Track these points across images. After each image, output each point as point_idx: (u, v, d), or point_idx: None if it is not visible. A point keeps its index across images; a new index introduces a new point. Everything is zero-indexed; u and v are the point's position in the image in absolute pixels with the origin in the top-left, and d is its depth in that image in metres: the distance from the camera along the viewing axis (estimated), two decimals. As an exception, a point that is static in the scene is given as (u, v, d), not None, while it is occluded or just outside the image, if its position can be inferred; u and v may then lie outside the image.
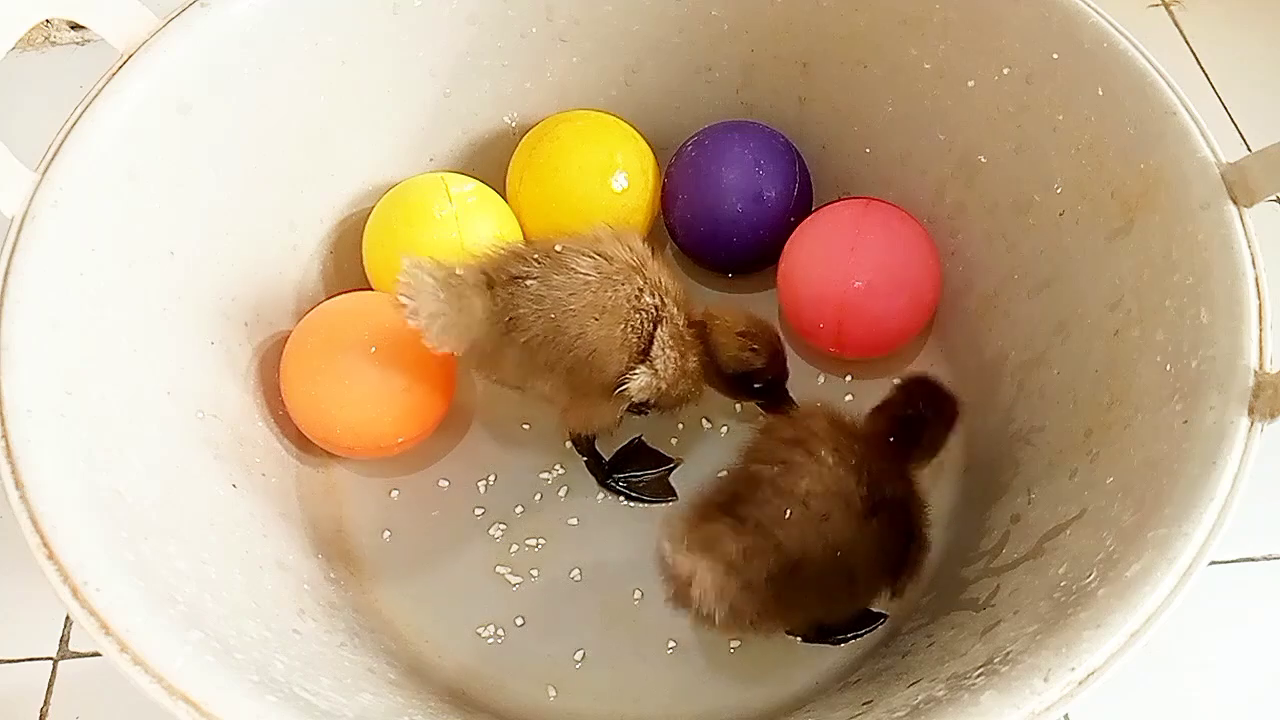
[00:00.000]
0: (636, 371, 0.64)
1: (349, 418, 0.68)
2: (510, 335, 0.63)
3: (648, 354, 0.64)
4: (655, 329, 0.64)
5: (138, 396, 0.58)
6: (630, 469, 0.73)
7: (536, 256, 0.64)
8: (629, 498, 0.72)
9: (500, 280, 0.63)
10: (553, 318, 0.62)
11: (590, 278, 0.63)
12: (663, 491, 0.72)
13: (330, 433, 0.69)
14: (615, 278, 0.63)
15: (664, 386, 0.65)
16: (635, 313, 0.64)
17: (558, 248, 0.64)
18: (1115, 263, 0.61)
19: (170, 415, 0.60)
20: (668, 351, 0.64)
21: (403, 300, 0.60)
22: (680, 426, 0.75)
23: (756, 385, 0.68)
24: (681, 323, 0.66)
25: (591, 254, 0.64)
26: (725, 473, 0.63)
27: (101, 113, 0.59)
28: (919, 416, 0.63)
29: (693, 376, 0.67)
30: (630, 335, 0.63)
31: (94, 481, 0.50)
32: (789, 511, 0.57)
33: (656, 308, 0.64)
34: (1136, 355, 0.58)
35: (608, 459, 0.73)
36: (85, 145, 0.58)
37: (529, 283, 0.63)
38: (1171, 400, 0.53)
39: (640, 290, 0.64)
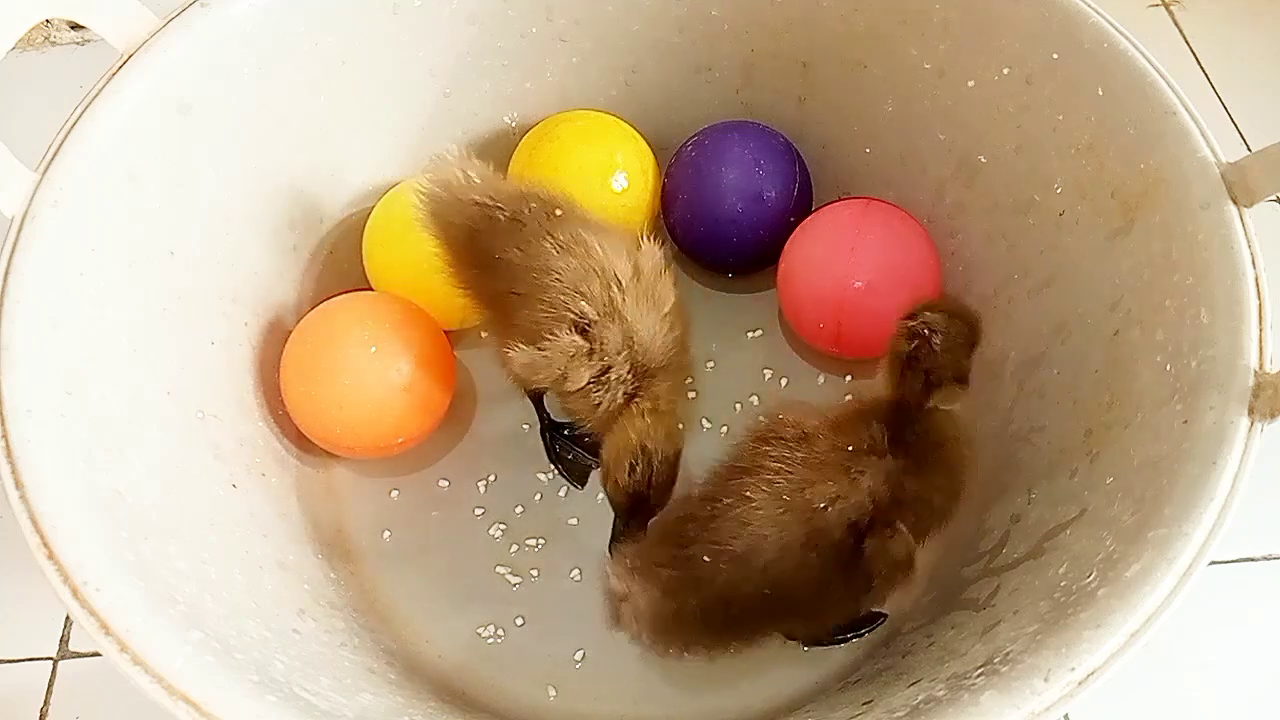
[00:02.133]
0: (525, 348, 0.61)
1: (349, 418, 0.68)
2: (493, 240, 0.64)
3: (585, 334, 0.61)
4: (595, 343, 0.61)
5: (138, 396, 0.58)
6: (570, 438, 0.73)
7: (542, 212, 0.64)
8: (550, 455, 0.73)
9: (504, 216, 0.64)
10: (534, 266, 0.62)
11: (567, 266, 0.62)
12: (579, 476, 0.72)
13: (330, 433, 0.69)
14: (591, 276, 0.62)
15: (556, 384, 0.62)
16: (588, 319, 0.61)
17: (559, 216, 0.64)
18: (1115, 263, 0.61)
19: (170, 415, 0.60)
20: (581, 369, 0.61)
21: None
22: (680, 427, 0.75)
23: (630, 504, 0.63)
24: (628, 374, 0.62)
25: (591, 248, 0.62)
26: (701, 484, 0.62)
27: (101, 113, 0.59)
28: (927, 350, 0.57)
29: (607, 416, 0.63)
30: (571, 313, 0.61)
31: (94, 481, 0.50)
32: (721, 565, 0.56)
33: (607, 351, 0.61)
34: (1136, 355, 0.58)
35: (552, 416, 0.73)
36: (85, 145, 0.58)
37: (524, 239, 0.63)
38: (1171, 400, 0.53)
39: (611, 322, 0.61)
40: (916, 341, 0.57)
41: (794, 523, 0.56)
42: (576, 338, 0.61)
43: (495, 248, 0.64)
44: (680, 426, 0.64)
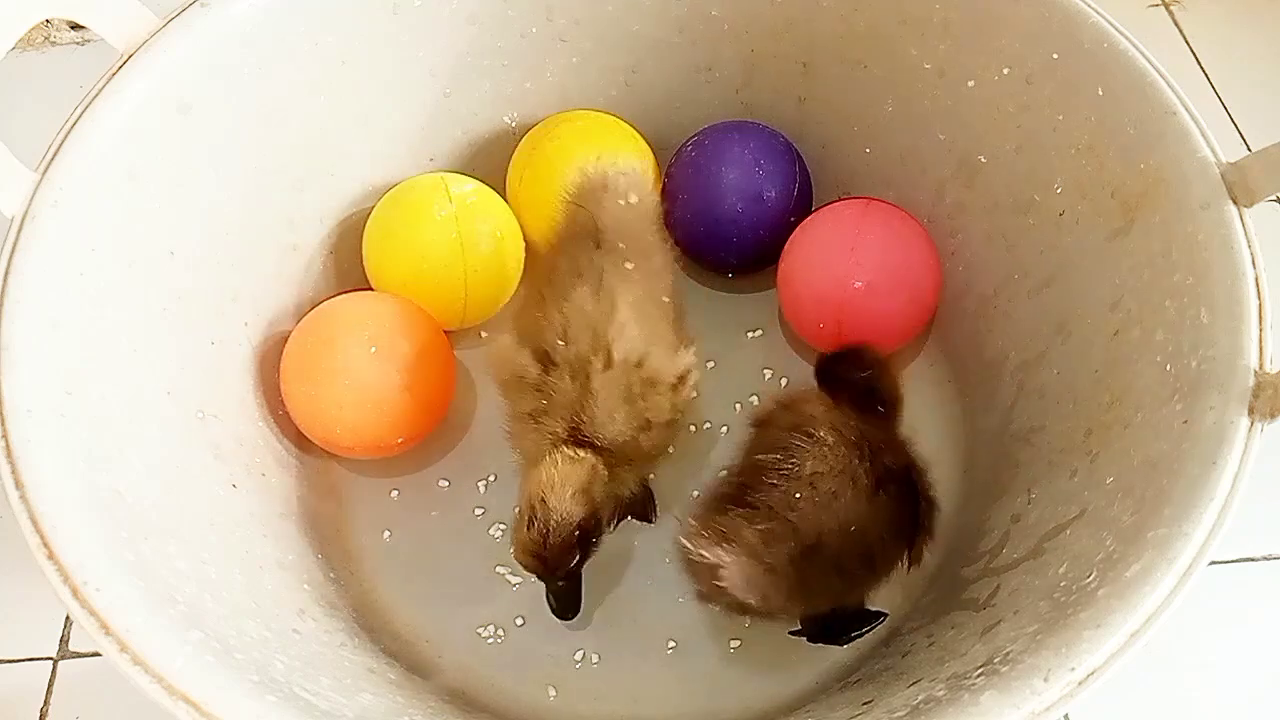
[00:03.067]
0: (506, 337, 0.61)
1: (349, 418, 0.68)
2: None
3: (543, 367, 0.59)
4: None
5: (138, 396, 0.58)
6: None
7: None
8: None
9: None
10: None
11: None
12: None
13: (330, 433, 0.69)
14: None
15: (501, 388, 0.62)
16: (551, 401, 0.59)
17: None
18: (1115, 263, 0.61)
19: (170, 415, 0.60)
20: (524, 395, 0.60)
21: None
22: (691, 429, 0.75)
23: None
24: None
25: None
26: (726, 470, 0.62)
27: (101, 113, 0.59)
28: (864, 382, 0.63)
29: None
30: (546, 342, 0.59)
31: (94, 481, 0.50)
32: (798, 494, 0.57)
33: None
34: (1136, 355, 0.58)
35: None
36: (85, 145, 0.58)
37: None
38: (1171, 400, 0.53)
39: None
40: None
41: (858, 462, 0.58)
42: (533, 363, 0.60)
43: (566, 247, 0.64)
44: (622, 495, 0.61)
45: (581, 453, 0.58)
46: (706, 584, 0.58)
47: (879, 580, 0.62)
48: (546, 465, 0.58)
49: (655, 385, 0.60)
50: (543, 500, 0.57)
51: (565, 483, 0.57)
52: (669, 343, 0.62)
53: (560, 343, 0.59)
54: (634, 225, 0.64)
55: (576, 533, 0.58)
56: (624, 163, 0.67)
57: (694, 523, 0.59)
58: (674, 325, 0.64)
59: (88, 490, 0.50)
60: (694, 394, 0.62)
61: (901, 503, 0.60)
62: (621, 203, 0.64)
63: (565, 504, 0.57)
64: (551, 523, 0.57)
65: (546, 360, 0.60)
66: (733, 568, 0.56)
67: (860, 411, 0.62)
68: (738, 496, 0.59)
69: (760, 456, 0.60)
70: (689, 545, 0.57)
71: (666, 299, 0.65)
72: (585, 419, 0.59)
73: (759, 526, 0.57)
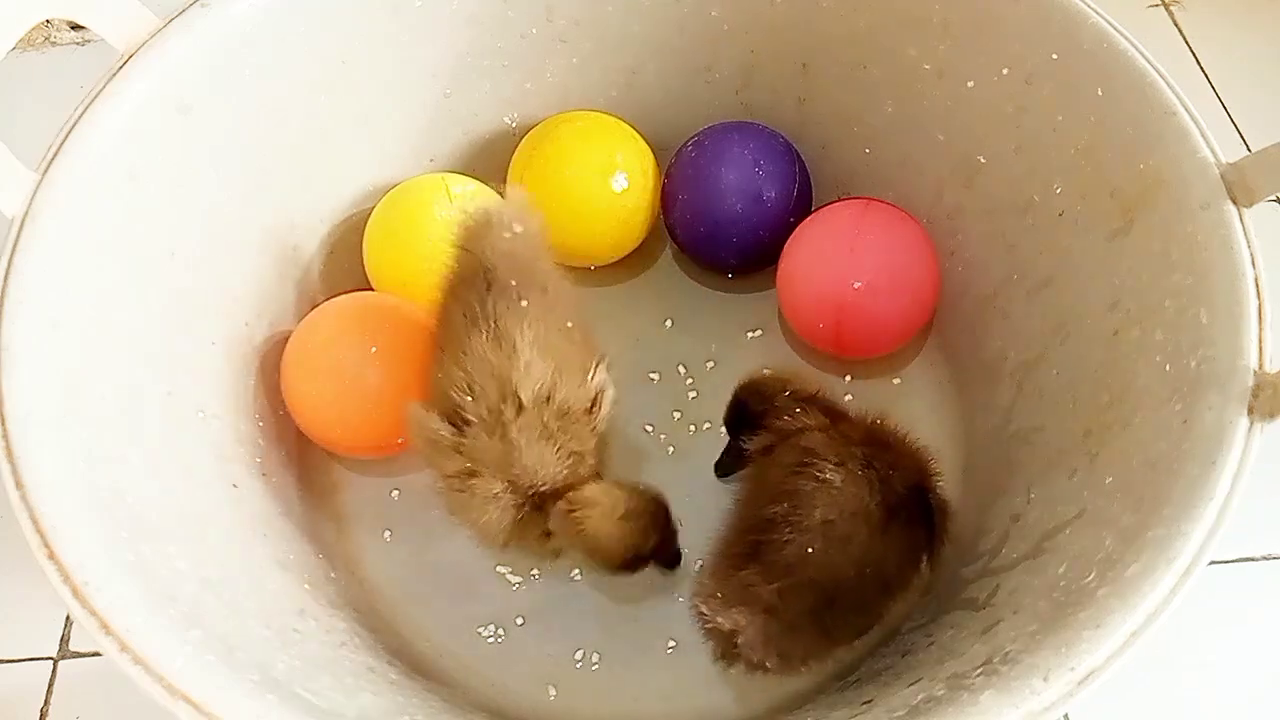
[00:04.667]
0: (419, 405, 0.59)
1: (349, 418, 0.68)
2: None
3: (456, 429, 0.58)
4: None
5: (138, 396, 0.58)
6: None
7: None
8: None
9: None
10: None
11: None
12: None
13: (330, 433, 0.69)
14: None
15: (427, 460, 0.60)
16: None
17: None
18: (1114, 263, 0.61)
19: (170, 415, 0.60)
20: (446, 459, 0.58)
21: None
22: (691, 430, 0.75)
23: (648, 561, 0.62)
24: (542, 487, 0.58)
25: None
26: (733, 519, 0.62)
27: (101, 113, 0.59)
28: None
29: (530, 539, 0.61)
30: (454, 399, 0.57)
31: (94, 481, 0.50)
32: (810, 548, 0.57)
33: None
34: (1136, 355, 0.58)
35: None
36: (85, 145, 0.58)
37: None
38: (1171, 400, 0.53)
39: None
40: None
41: (868, 497, 0.58)
42: (444, 426, 0.58)
43: (458, 293, 0.61)
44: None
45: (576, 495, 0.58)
46: (725, 648, 0.58)
47: (896, 600, 0.62)
48: (589, 500, 0.58)
49: (569, 415, 0.59)
50: (627, 511, 0.58)
51: (609, 495, 0.59)
52: (578, 368, 0.60)
53: (468, 398, 0.57)
54: (523, 257, 0.61)
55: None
56: (506, 195, 0.66)
57: (708, 583, 0.59)
58: (580, 348, 0.62)
59: (88, 490, 0.50)
60: (612, 409, 0.61)
61: (915, 523, 0.60)
62: (507, 235, 0.61)
63: (637, 498, 0.59)
64: (650, 513, 0.59)
65: (459, 419, 0.58)
66: (750, 631, 0.56)
67: (846, 420, 0.62)
68: (751, 554, 0.58)
69: (769, 509, 0.59)
70: (705, 611, 0.57)
71: (570, 324, 0.62)
72: (517, 472, 0.58)
73: (774, 585, 0.57)
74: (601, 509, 0.58)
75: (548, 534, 0.60)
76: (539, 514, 0.59)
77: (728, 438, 0.68)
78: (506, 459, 0.57)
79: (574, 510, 0.58)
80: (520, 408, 0.57)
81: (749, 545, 0.59)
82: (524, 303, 0.59)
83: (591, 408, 0.60)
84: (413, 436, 0.60)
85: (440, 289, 0.64)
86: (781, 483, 0.60)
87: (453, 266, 0.63)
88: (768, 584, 0.57)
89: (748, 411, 0.66)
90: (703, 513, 0.68)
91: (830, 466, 0.59)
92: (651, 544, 0.60)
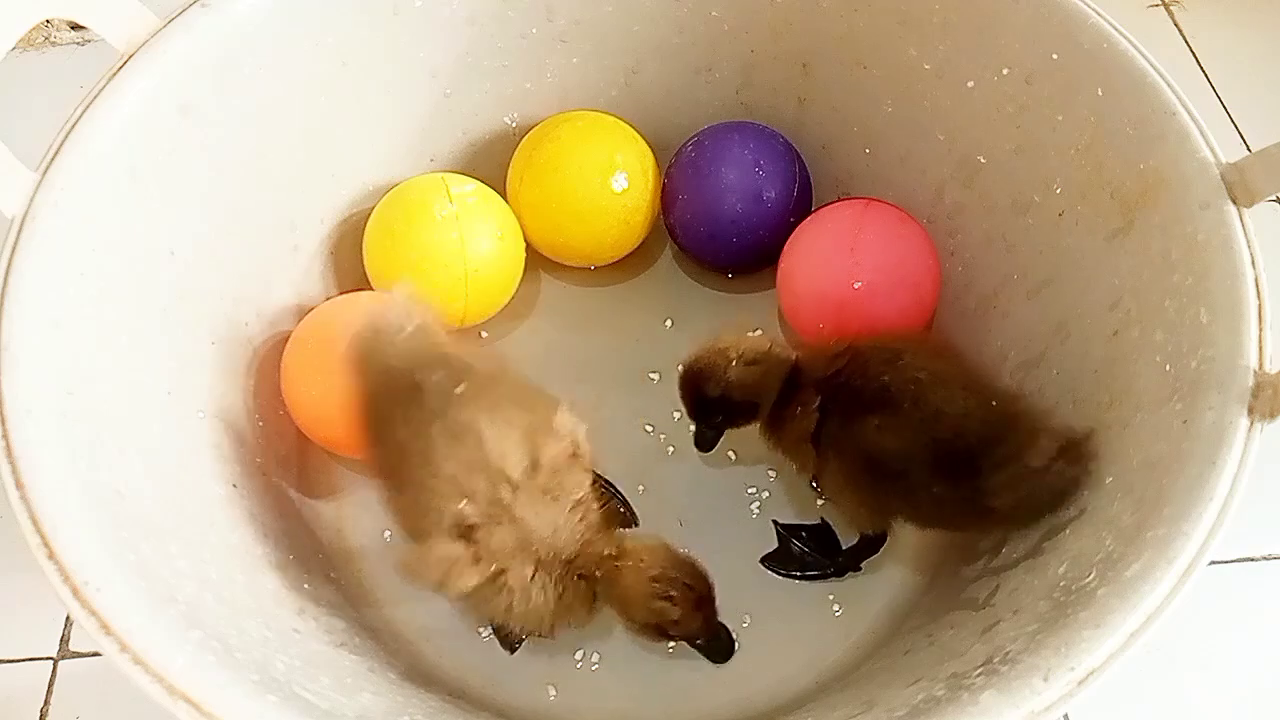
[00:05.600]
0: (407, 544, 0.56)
1: (349, 418, 0.68)
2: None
3: (466, 539, 0.55)
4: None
5: (138, 396, 0.58)
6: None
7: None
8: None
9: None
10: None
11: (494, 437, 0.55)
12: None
13: (330, 433, 0.69)
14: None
15: (440, 589, 0.56)
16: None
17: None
18: (1114, 263, 0.61)
19: (170, 415, 0.60)
20: (466, 576, 0.55)
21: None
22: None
23: (674, 636, 0.59)
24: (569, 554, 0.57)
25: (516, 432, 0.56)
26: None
27: (101, 113, 0.59)
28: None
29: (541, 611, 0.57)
30: (450, 515, 0.54)
31: (94, 481, 0.50)
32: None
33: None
34: (1136, 355, 0.58)
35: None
36: (85, 145, 0.58)
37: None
38: (1171, 400, 0.53)
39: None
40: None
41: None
42: (456, 544, 0.55)
43: (388, 416, 0.58)
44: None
45: (605, 563, 0.57)
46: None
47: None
48: (629, 552, 0.57)
49: (559, 471, 0.57)
50: (661, 577, 0.57)
51: (643, 558, 0.57)
52: (544, 422, 0.58)
53: (465, 504, 0.55)
54: (432, 350, 0.59)
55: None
56: (390, 294, 0.62)
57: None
58: (536, 402, 0.59)
59: (88, 490, 0.49)
60: (589, 445, 0.59)
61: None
62: (403, 336, 0.59)
63: (667, 559, 0.57)
64: (688, 576, 0.57)
65: (466, 531, 0.55)
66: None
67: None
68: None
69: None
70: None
71: (512, 384, 0.60)
72: (537, 547, 0.56)
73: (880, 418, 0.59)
74: (634, 564, 0.56)
75: (594, 596, 0.58)
76: (579, 581, 0.58)
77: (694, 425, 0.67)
78: (525, 539, 0.55)
79: (616, 559, 0.57)
80: (514, 485, 0.55)
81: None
82: (459, 390, 0.57)
83: (575, 453, 0.58)
84: (419, 579, 0.56)
85: (359, 423, 0.60)
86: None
87: (363, 394, 0.60)
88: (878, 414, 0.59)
89: (705, 397, 0.64)
90: (703, 513, 0.68)
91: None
92: (678, 617, 0.57)
